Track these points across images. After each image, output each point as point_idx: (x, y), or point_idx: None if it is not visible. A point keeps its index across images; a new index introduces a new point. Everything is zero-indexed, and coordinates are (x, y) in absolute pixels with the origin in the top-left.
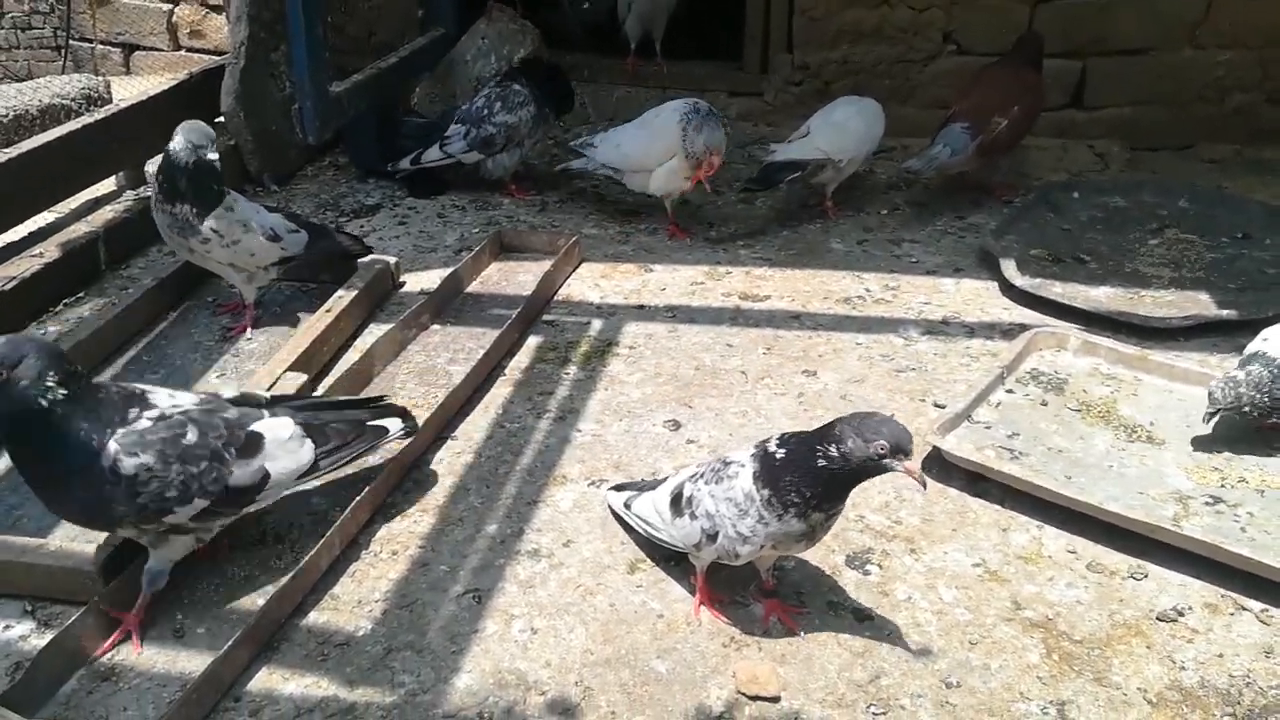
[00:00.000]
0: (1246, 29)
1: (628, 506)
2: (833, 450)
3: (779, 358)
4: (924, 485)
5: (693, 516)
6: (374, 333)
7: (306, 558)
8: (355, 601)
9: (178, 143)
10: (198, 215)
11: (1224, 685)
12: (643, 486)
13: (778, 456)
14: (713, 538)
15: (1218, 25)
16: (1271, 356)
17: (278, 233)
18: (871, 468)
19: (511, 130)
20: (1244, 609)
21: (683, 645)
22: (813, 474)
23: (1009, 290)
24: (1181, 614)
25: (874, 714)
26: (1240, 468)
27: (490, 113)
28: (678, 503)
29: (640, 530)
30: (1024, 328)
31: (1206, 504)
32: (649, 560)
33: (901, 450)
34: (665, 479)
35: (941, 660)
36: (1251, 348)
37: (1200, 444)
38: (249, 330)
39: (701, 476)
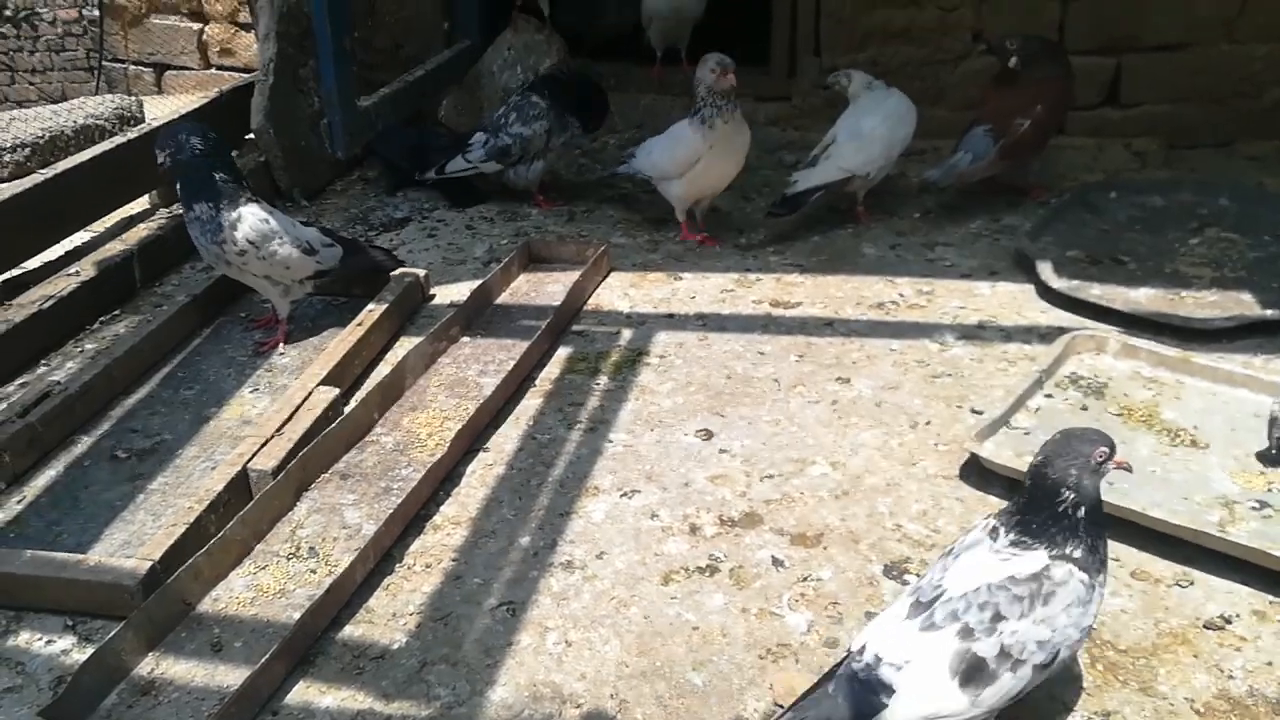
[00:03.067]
0: None
1: None
2: (1068, 493)
3: (812, 365)
4: (1130, 469)
5: (1013, 670)
6: (405, 345)
7: (340, 571)
8: (390, 614)
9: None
10: (213, 208)
11: (1274, 694)
12: None
13: (1040, 534)
14: (1047, 666)
15: (1254, 19)
16: None
17: (313, 246)
18: (1099, 481)
19: (526, 142)
20: None
21: (718, 657)
22: (1078, 524)
23: (1046, 293)
24: (1229, 621)
25: None
26: None
27: (506, 123)
28: (978, 676)
29: None
30: (1062, 331)
31: (1253, 509)
32: (683, 571)
33: (1112, 447)
34: (866, 703)
35: None
36: None
37: (1246, 448)
38: (282, 346)
39: (987, 621)
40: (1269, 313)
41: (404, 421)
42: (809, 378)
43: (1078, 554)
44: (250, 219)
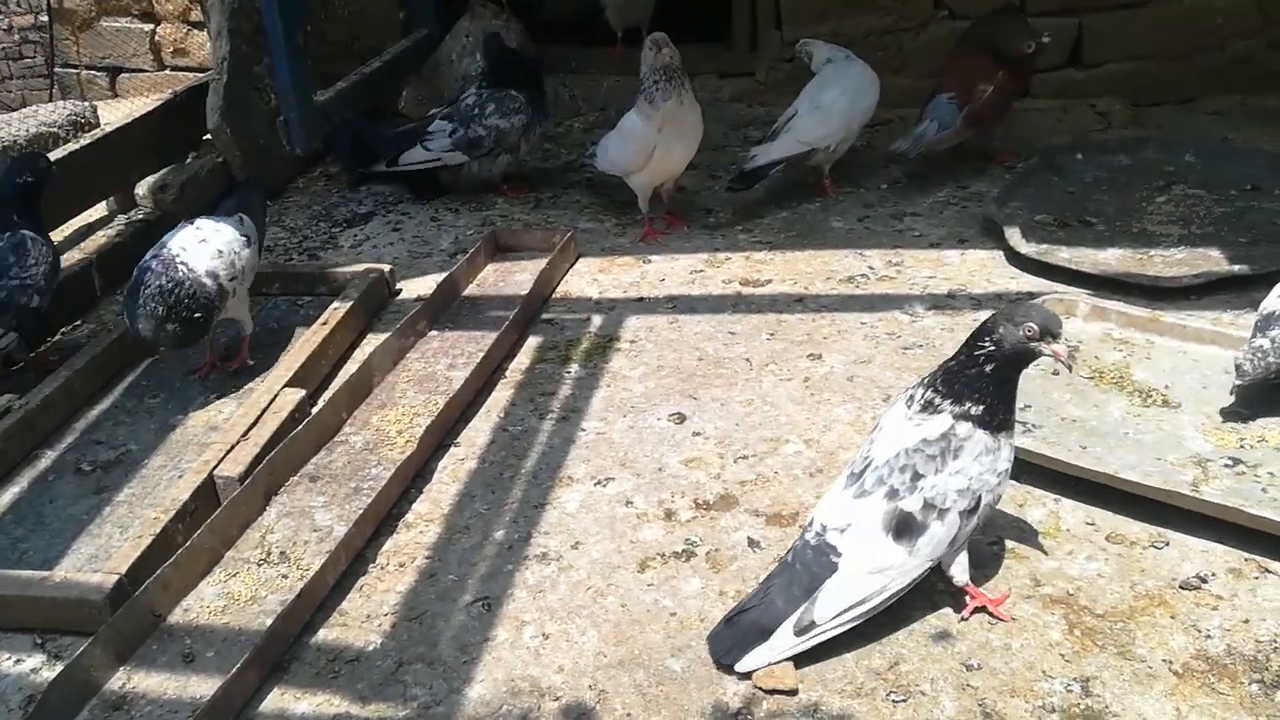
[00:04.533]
0: None
1: (808, 628)
2: (988, 343)
3: (783, 342)
4: (1070, 367)
5: (940, 518)
6: (372, 342)
7: (312, 574)
8: (364, 616)
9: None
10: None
11: (1250, 652)
12: (786, 591)
13: (952, 387)
14: (973, 511)
15: None
16: None
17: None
18: (1024, 353)
19: (501, 136)
20: (1269, 572)
21: (697, 643)
22: (988, 380)
23: (1015, 258)
24: (1205, 581)
25: (894, 701)
26: (1260, 427)
27: (482, 114)
28: (908, 529)
29: (850, 624)
30: (1032, 296)
31: (1226, 466)
32: (659, 557)
33: (1050, 333)
34: (820, 563)
35: (961, 643)
36: (1267, 305)
37: (1218, 405)
38: (249, 360)
39: (908, 481)
40: (1237, 268)
41: (373, 420)
42: (780, 355)
43: (977, 411)
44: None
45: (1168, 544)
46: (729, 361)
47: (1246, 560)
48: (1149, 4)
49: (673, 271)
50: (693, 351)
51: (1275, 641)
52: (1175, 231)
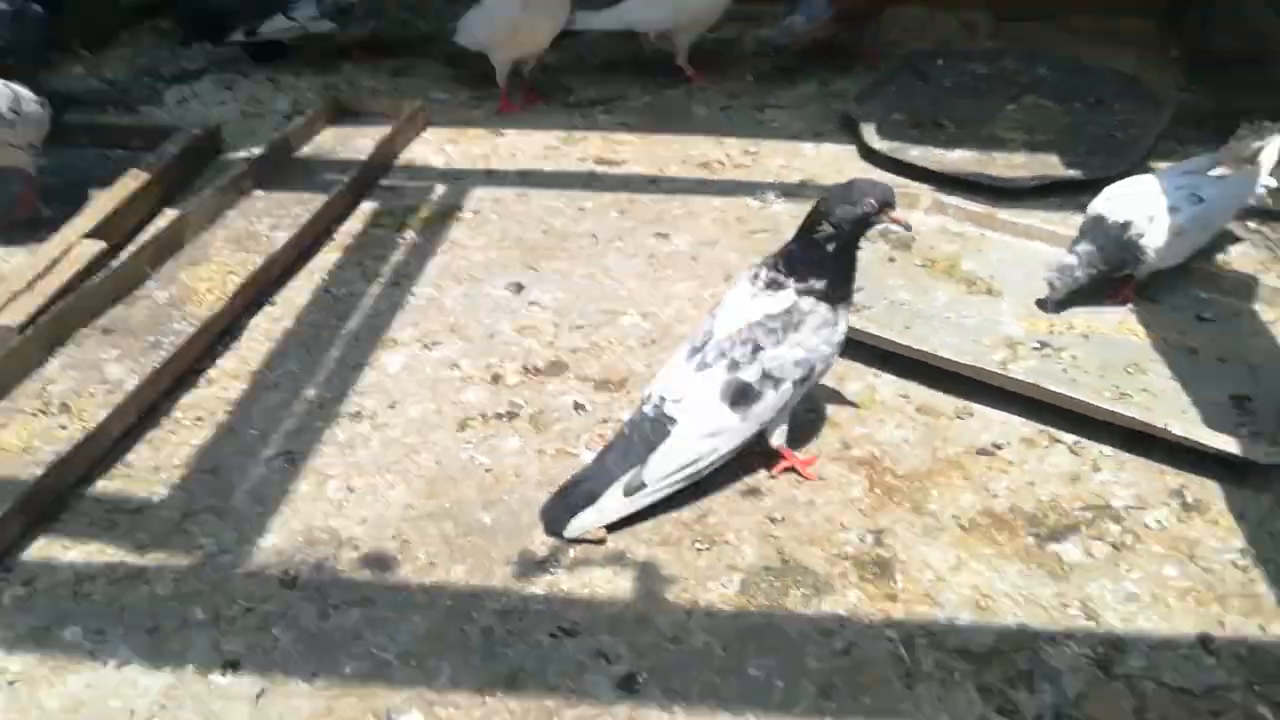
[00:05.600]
0: None
1: (637, 489)
2: (827, 226)
3: (632, 221)
4: (908, 227)
5: (775, 386)
6: (190, 203)
7: (95, 425)
8: (151, 468)
9: None
10: None
11: (1031, 509)
12: (621, 460)
13: (795, 266)
14: (806, 380)
15: None
16: (1109, 220)
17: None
18: (864, 226)
19: None
20: (1058, 442)
21: (510, 496)
22: (828, 259)
23: (869, 155)
24: (1000, 448)
25: (698, 549)
26: (1070, 315)
27: None
28: (744, 397)
29: (677, 485)
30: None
31: (1034, 349)
32: (481, 418)
33: (888, 204)
34: (656, 432)
35: (768, 498)
36: (1092, 208)
37: (1037, 296)
38: (37, 205)
39: (749, 353)
40: (1071, 172)
41: (180, 275)
42: (628, 233)
43: (820, 286)
44: None
45: (972, 415)
46: (575, 236)
47: (1040, 431)
48: None
49: (526, 146)
50: (538, 225)
51: (1054, 501)
52: (1020, 138)
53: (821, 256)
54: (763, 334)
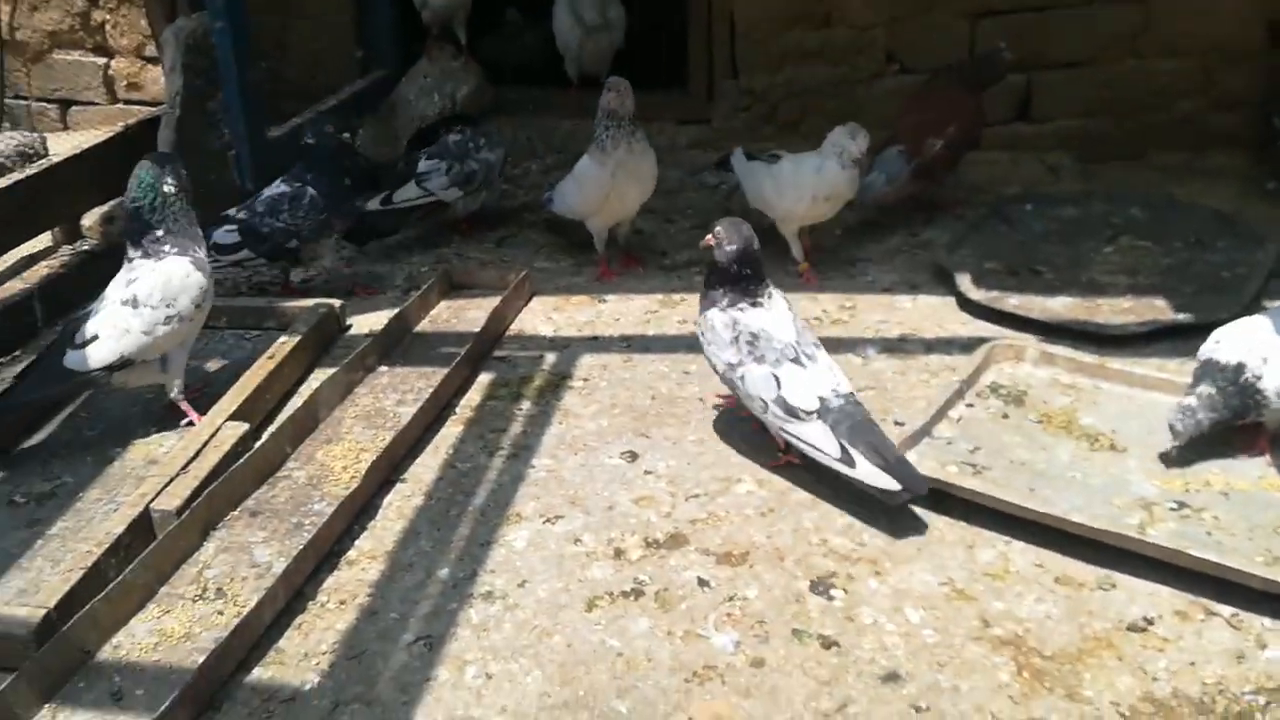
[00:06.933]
0: (1186, 38)
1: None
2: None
3: None
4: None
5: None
6: (320, 378)
7: (248, 611)
8: (301, 654)
9: None
10: None
11: (1196, 694)
12: (882, 439)
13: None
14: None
15: (1157, 36)
16: (1221, 364)
17: None
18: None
19: (490, 169)
20: (1213, 614)
21: (643, 683)
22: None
23: (966, 305)
24: (1151, 623)
25: None
26: (1205, 471)
27: (475, 148)
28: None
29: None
30: (982, 341)
31: (1172, 509)
32: (607, 596)
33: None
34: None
35: (910, 684)
36: (1203, 353)
37: (1162, 450)
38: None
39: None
40: (1181, 316)
41: (317, 455)
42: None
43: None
44: None
45: (1115, 586)
46: (682, 400)
47: (1192, 603)
48: (1094, 63)
49: (628, 311)
50: (646, 390)
51: (1220, 684)
52: (1122, 281)
53: (742, 275)
54: (802, 323)
